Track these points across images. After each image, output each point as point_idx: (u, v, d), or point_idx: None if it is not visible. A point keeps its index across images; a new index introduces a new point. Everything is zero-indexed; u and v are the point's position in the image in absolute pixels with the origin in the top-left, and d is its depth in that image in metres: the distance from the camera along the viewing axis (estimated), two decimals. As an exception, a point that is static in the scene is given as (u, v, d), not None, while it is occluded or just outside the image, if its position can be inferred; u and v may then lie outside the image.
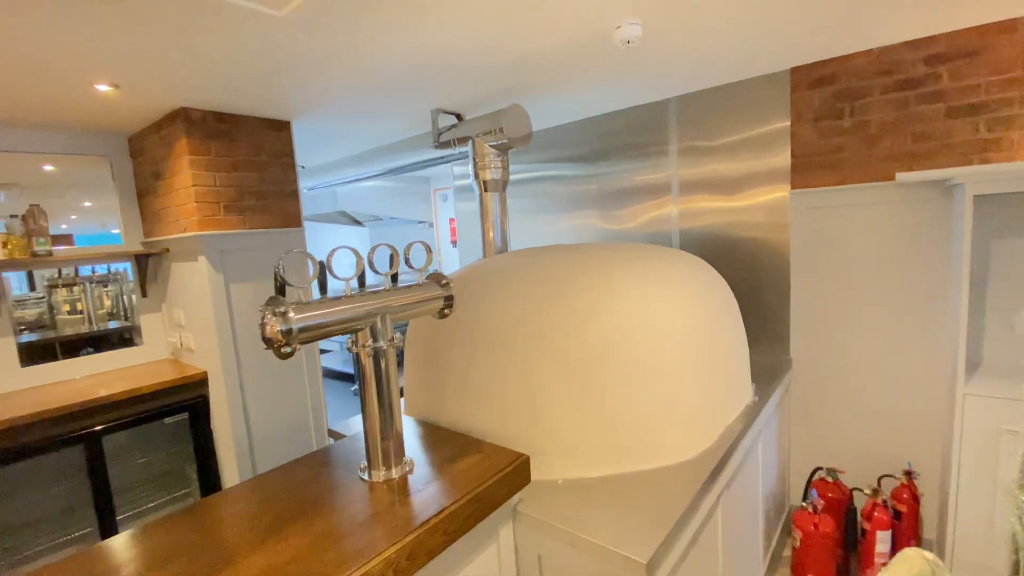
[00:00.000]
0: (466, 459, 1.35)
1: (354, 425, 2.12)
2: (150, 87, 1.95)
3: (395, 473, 1.28)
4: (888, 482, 2.19)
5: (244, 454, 2.50)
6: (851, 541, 2.14)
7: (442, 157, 3.19)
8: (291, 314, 1.04)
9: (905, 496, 2.09)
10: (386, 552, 0.97)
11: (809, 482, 2.28)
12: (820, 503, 2.03)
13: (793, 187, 2.38)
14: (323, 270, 1.20)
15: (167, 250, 2.61)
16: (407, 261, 1.36)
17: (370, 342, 1.22)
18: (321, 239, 5.72)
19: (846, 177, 2.24)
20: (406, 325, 1.76)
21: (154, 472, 2.72)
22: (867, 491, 2.08)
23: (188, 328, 2.64)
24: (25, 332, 2.61)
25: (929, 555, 0.75)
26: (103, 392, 2.27)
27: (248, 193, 2.45)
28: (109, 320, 3.15)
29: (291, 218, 2.63)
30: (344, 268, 1.30)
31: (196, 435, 2.57)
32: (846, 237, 2.28)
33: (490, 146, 2.34)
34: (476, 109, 2.59)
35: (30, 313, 2.75)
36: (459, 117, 2.65)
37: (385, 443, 1.27)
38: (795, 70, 2.30)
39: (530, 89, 2.33)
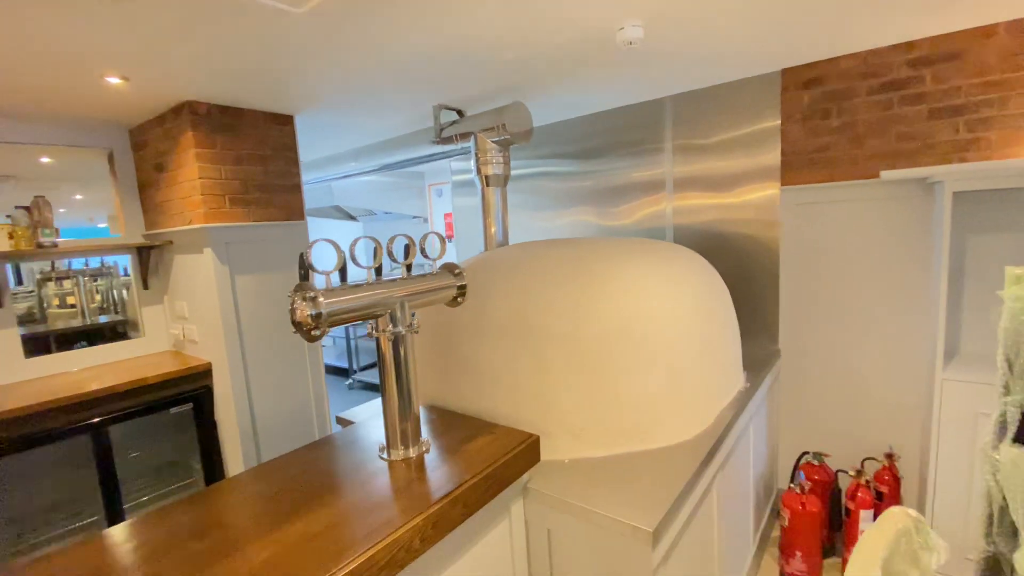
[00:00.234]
0: (479, 440, 1.42)
1: (360, 413, 2.18)
2: (159, 80, 1.98)
3: (412, 453, 1.34)
4: (871, 464, 2.31)
5: (249, 444, 2.54)
6: (836, 520, 2.26)
7: (442, 152, 3.24)
8: (321, 299, 1.10)
9: (887, 477, 2.21)
10: (413, 521, 1.03)
11: (796, 465, 2.38)
12: (807, 484, 2.14)
13: (783, 184, 2.47)
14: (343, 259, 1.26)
15: (170, 242, 2.63)
16: (423, 251, 1.42)
17: (390, 327, 1.28)
18: (315, 233, 5.73)
19: (833, 175, 2.34)
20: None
21: (158, 462, 2.75)
22: (851, 473, 2.19)
23: (191, 320, 2.66)
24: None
25: (912, 512, 0.83)
26: (110, 383, 2.30)
27: (252, 186, 2.48)
28: (102, 314, 3.15)
29: (294, 211, 2.67)
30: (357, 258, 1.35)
31: (200, 425, 2.60)
32: (833, 232, 2.38)
33: (492, 142, 2.40)
34: (477, 105, 2.64)
35: (19, 307, 2.75)
36: (460, 113, 2.70)
37: (403, 424, 1.33)
38: (786, 71, 2.39)
39: (531, 86, 2.39)
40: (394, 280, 1.31)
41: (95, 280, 3.22)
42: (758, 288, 2.61)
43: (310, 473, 1.27)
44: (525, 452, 1.39)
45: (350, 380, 5.37)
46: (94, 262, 3.29)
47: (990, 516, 0.76)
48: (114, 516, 2.33)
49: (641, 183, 2.95)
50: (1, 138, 2.42)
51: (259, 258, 2.54)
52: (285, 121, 2.60)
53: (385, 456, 1.34)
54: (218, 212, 2.35)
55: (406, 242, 1.39)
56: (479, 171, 2.47)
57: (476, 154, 2.45)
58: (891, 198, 2.21)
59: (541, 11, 1.58)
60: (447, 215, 5.27)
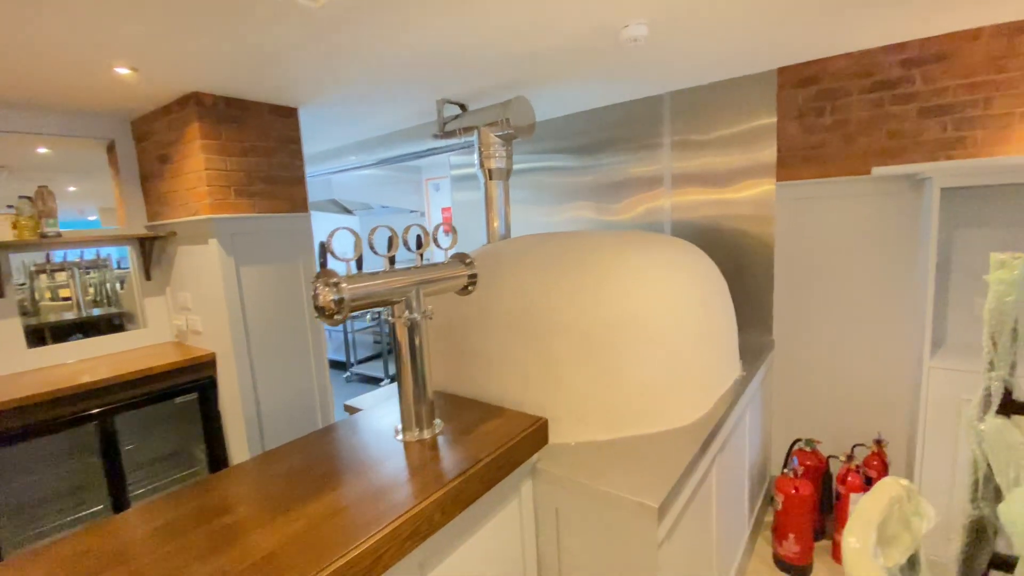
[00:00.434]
0: (490, 423, 1.48)
1: (366, 400, 2.22)
2: (168, 72, 1.99)
3: (427, 434, 1.39)
4: (860, 450, 2.40)
5: (254, 433, 2.57)
6: (827, 504, 2.34)
7: (442, 147, 3.27)
8: (344, 284, 1.14)
9: (875, 463, 2.29)
10: (434, 496, 1.08)
11: (789, 451, 2.47)
12: (800, 469, 2.22)
13: (778, 180, 2.55)
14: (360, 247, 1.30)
15: (174, 233, 2.65)
16: (435, 241, 1.47)
17: (407, 314, 1.33)
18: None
19: (827, 171, 2.42)
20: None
21: (162, 451, 2.77)
22: (842, 458, 2.27)
23: (195, 311, 2.68)
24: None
25: (904, 482, 0.90)
26: (117, 372, 2.31)
27: (257, 178, 2.50)
28: (95, 307, 3.15)
29: (298, 203, 2.69)
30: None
31: (204, 415, 2.62)
32: (825, 227, 2.46)
33: (495, 136, 2.45)
34: (480, 100, 2.68)
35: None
36: (463, 107, 2.74)
37: (418, 407, 1.38)
38: (782, 70, 2.46)
39: (534, 82, 2.44)
40: (409, 268, 1.36)
41: (87, 272, 3.22)
42: (754, 281, 2.69)
43: (330, 453, 1.31)
44: (534, 434, 1.44)
45: (348, 373, 5.39)
46: (89, 254, 3.29)
47: (975, 483, 0.83)
48: (120, 505, 2.35)
49: (640, 178, 3.01)
50: (1, 127, 2.41)
51: (263, 249, 2.56)
52: (289, 113, 2.62)
53: (400, 437, 1.38)
54: (224, 203, 2.37)
55: (419, 232, 1.43)
56: (482, 165, 2.51)
57: (479, 148, 2.49)
58: (881, 194, 2.29)
59: (549, 8, 1.62)
60: (444, 209, 5.31)
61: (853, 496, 2.19)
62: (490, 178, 2.52)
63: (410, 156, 3.54)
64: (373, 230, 1.28)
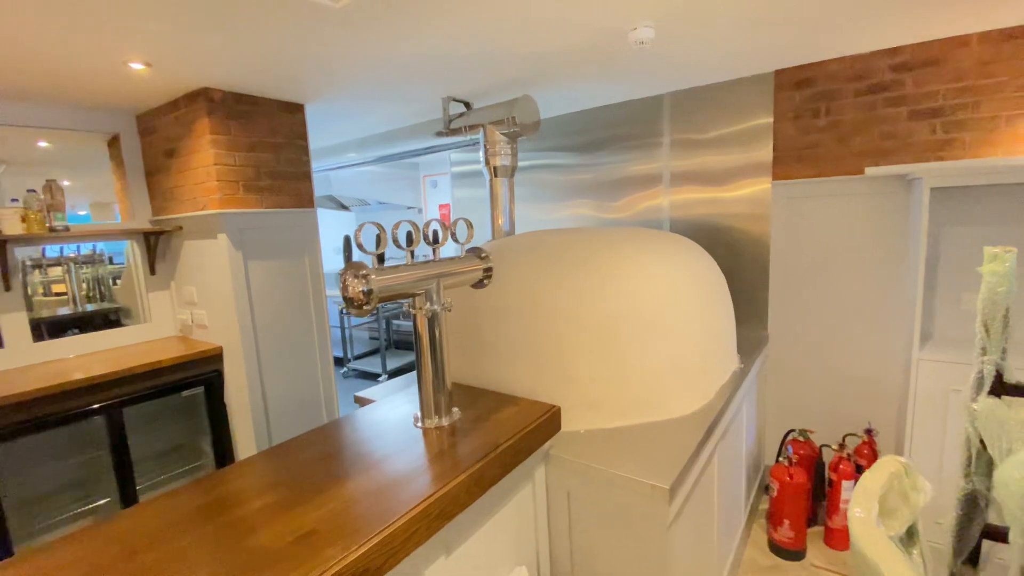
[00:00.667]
0: (505, 411, 1.53)
1: (376, 392, 2.26)
2: (181, 67, 2.02)
3: (445, 422, 1.44)
4: (851, 440, 2.49)
5: (261, 426, 2.60)
6: (820, 491, 2.43)
7: (443, 144, 3.32)
8: (373, 276, 1.19)
9: (866, 451, 2.39)
10: (459, 478, 1.14)
11: (783, 441, 2.56)
12: (794, 457, 2.31)
13: (774, 179, 2.63)
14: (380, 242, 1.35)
15: (180, 228, 2.66)
16: (453, 236, 1.52)
17: (427, 305, 1.38)
18: (307, 223, 5.73)
19: (821, 170, 2.50)
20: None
21: (168, 444, 2.78)
22: (834, 447, 2.37)
23: (201, 305, 2.70)
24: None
25: (902, 459, 0.97)
26: (125, 366, 2.33)
27: (264, 173, 2.53)
28: (89, 302, 3.14)
29: (304, 198, 2.72)
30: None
31: (211, 409, 2.65)
32: (819, 225, 2.55)
33: (501, 133, 2.50)
34: (485, 97, 2.73)
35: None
36: (467, 105, 2.78)
37: (437, 395, 1.43)
38: (778, 72, 2.53)
39: (539, 81, 2.49)
40: (430, 261, 1.41)
41: (82, 268, 3.21)
42: (750, 277, 2.77)
43: (354, 439, 1.36)
44: (548, 421, 1.50)
45: (345, 368, 5.41)
46: (85, 249, 3.29)
47: (968, 459, 0.90)
48: (127, 498, 2.37)
49: (639, 177, 3.08)
50: (5, 120, 2.41)
51: (270, 244, 2.59)
52: (296, 110, 2.65)
53: (420, 424, 1.44)
54: (232, 198, 2.40)
55: (437, 227, 1.48)
56: (487, 162, 2.56)
57: (485, 145, 2.54)
58: (873, 193, 2.38)
59: (559, 10, 1.68)
60: (442, 206, 5.34)
61: (845, 483, 2.28)
62: (495, 175, 2.57)
63: (411, 153, 3.58)
64: (396, 225, 1.33)
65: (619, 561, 1.44)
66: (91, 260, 3.29)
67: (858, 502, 0.88)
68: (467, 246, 1.58)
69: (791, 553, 2.29)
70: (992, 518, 0.90)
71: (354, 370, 5.38)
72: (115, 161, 2.96)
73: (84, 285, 3.25)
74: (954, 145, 2.17)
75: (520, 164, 3.52)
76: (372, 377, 5.15)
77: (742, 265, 2.79)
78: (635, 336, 1.69)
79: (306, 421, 2.81)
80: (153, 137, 2.67)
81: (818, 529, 2.46)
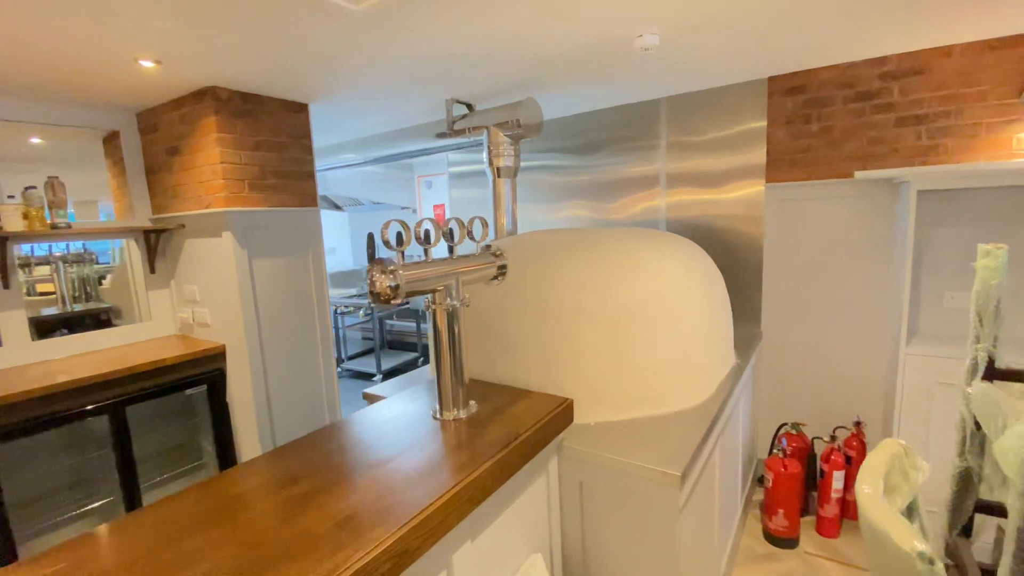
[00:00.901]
0: (519, 404, 1.58)
1: (382, 391, 2.29)
2: (190, 65, 2.03)
3: (463, 414, 1.49)
4: (841, 432, 2.59)
5: (265, 424, 2.61)
6: (812, 481, 2.53)
7: (445, 145, 3.36)
8: (400, 272, 1.23)
9: (855, 443, 2.49)
10: (484, 465, 1.19)
11: (776, 435, 2.65)
12: (788, 448, 2.40)
13: (768, 181, 2.72)
14: (400, 239, 1.39)
15: (182, 226, 2.66)
16: (470, 234, 1.57)
17: (447, 300, 1.43)
18: (300, 223, 5.72)
19: (812, 174, 2.60)
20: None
21: (168, 444, 2.77)
22: (826, 439, 2.46)
23: (203, 303, 2.70)
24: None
25: (902, 441, 1.05)
26: (128, 364, 2.33)
27: (269, 172, 2.54)
28: (76, 302, 3.10)
29: (308, 198, 2.74)
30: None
31: (213, 407, 2.65)
32: (811, 226, 2.65)
33: (505, 135, 2.55)
34: (488, 99, 2.78)
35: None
36: (469, 106, 2.83)
37: (456, 389, 1.48)
38: (772, 79, 2.63)
39: (542, 84, 2.55)
40: (449, 258, 1.45)
41: (71, 267, 3.17)
42: (744, 276, 2.86)
43: (376, 432, 1.40)
44: (562, 414, 1.56)
45: (339, 369, 5.40)
46: (75, 247, 3.25)
47: (963, 439, 0.98)
48: (131, 497, 2.36)
49: (636, 178, 3.15)
50: (5, 116, 2.39)
51: (274, 243, 2.60)
52: (300, 109, 2.67)
53: (439, 417, 1.48)
54: (238, 197, 2.41)
55: (454, 225, 1.53)
56: (491, 163, 2.61)
57: (488, 147, 2.59)
58: (862, 196, 2.49)
59: (569, 17, 1.74)
60: (436, 206, 5.37)
61: (836, 474, 2.38)
62: (498, 176, 2.62)
63: (411, 154, 3.61)
64: (419, 223, 1.37)
65: (630, 548, 1.50)
66: (80, 259, 3.25)
67: (865, 480, 0.95)
68: (482, 244, 1.63)
69: (785, 541, 2.37)
70: (984, 493, 0.98)
71: (348, 370, 5.38)
72: (111, 159, 2.94)
73: (71, 284, 3.22)
74: (938, 150, 2.28)
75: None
76: (367, 377, 5.15)
77: (736, 265, 2.88)
78: (642, 331, 1.75)
79: (308, 419, 2.83)
80: (155, 135, 2.67)
81: (809, 518, 2.55)
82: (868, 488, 0.92)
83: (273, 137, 2.55)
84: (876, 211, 2.47)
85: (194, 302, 2.75)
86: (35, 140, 3.00)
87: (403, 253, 1.36)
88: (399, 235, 1.39)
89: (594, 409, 1.72)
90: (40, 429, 2.07)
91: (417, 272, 1.29)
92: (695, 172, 2.94)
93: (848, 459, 2.46)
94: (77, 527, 2.36)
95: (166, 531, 0.97)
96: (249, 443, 2.64)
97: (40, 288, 3.17)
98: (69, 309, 3.14)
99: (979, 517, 0.99)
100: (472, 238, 1.58)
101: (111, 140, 2.91)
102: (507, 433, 1.35)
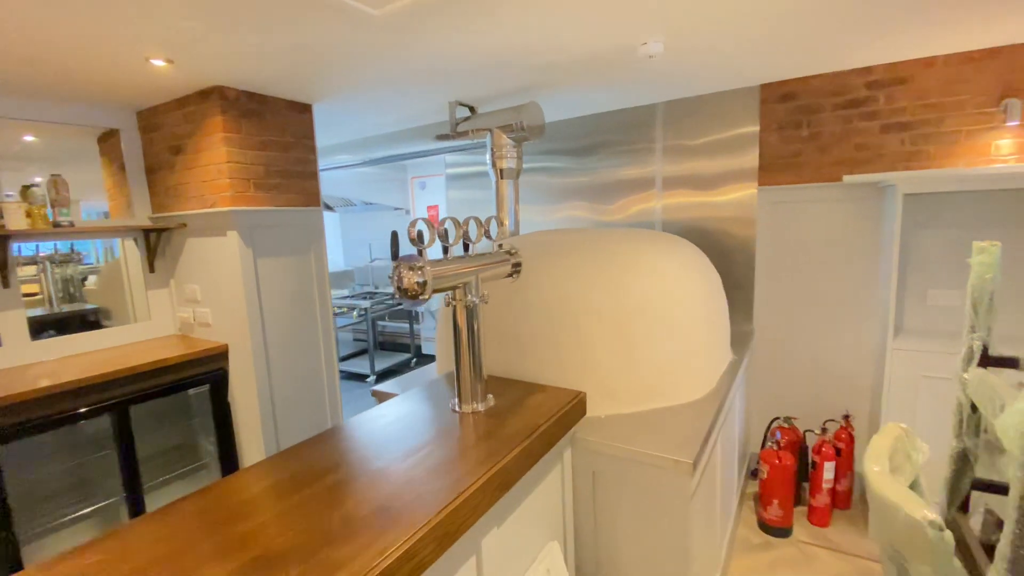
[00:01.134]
0: (534, 397, 1.64)
1: (392, 388, 2.32)
2: (201, 65, 2.04)
3: (482, 407, 1.54)
4: (831, 425, 2.70)
5: (269, 424, 2.61)
6: (804, 472, 2.63)
7: (444, 147, 3.40)
8: (428, 268, 1.27)
9: (844, 436, 2.60)
10: (514, 451, 1.24)
11: (768, 428, 2.75)
12: (783, 441, 2.50)
13: (760, 184, 2.83)
14: (420, 238, 1.43)
15: (184, 225, 2.65)
16: (487, 233, 1.61)
17: (468, 297, 1.47)
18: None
19: (803, 177, 2.71)
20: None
21: (169, 444, 2.76)
22: (817, 432, 2.57)
23: (204, 303, 2.70)
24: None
25: (903, 425, 1.13)
26: (130, 364, 2.31)
27: (274, 172, 2.55)
28: (62, 302, 3.06)
29: (311, 197, 2.75)
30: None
31: (216, 407, 2.64)
32: (801, 228, 2.76)
33: (508, 137, 2.60)
34: (490, 102, 2.83)
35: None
36: (472, 109, 2.88)
37: (475, 382, 1.52)
38: (764, 86, 2.74)
39: (545, 88, 2.61)
40: (468, 256, 1.50)
41: (59, 267, 3.13)
42: (737, 276, 2.96)
43: (397, 425, 1.44)
44: (576, 406, 1.62)
45: (331, 370, 5.38)
46: (63, 247, 3.21)
47: (960, 421, 1.06)
48: (134, 498, 2.35)
49: (632, 180, 3.24)
50: (7, 114, 2.37)
51: (278, 242, 2.62)
52: (304, 109, 2.68)
53: (458, 410, 1.52)
54: (243, 196, 2.42)
55: (473, 225, 1.57)
56: (494, 164, 2.66)
57: (492, 149, 2.64)
58: (850, 199, 2.60)
59: (579, 25, 1.80)
60: (430, 207, 5.40)
61: (827, 465, 2.48)
62: (501, 177, 2.68)
63: (411, 155, 3.64)
64: (442, 222, 1.41)
65: (642, 535, 1.56)
66: (68, 259, 3.21)
67: (873, 460, 1.03)
68: (497, 243, 1.68)
69: (780, 531, 2.47)
70: (979, 472, 1.06)
71: (341, 371, 5.36)
72: (107, 157, 2.92)
73: (57, 285, 3.17)
74: (920, 156, 2.41)
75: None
76: (360, 378, 5.14)
77: (730, 265, 2.98)
78: (648, 329, 1.82)
79: (311, 419, 2.84)
80: (156, 134, 2.66)
81: (802, 508, 2.65)
82: (877, 467, 1.00)
83: (278, 137, 2.56)
84: (863, 213, 2.58)
85: (195, 301, 2.74)
86: (28, 138, 2.96)
87: (423, 251, 1.41)
88: (420, 234, 1.43)
89: (604, 402, 1.78)
90: (45, 429, 2.06)
91: (442, 269, 1.34)
92: (690, 175, 3.03)
93: (838, 451, 2.56)
94: (80, 528, 2.33)
95: (215, 517, 1.00)
96: (252, 443, 2.64)
97: (24, 289, 3.12)
98: (56, 310, 3.10)
99: (975, 494, 1.07)
100: (489, 237, 1.63)
101: (107, 138, 2.89)
102: (527, 424, 1.40)
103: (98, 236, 2.73)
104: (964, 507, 1.07)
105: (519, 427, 1.39)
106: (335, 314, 5.40)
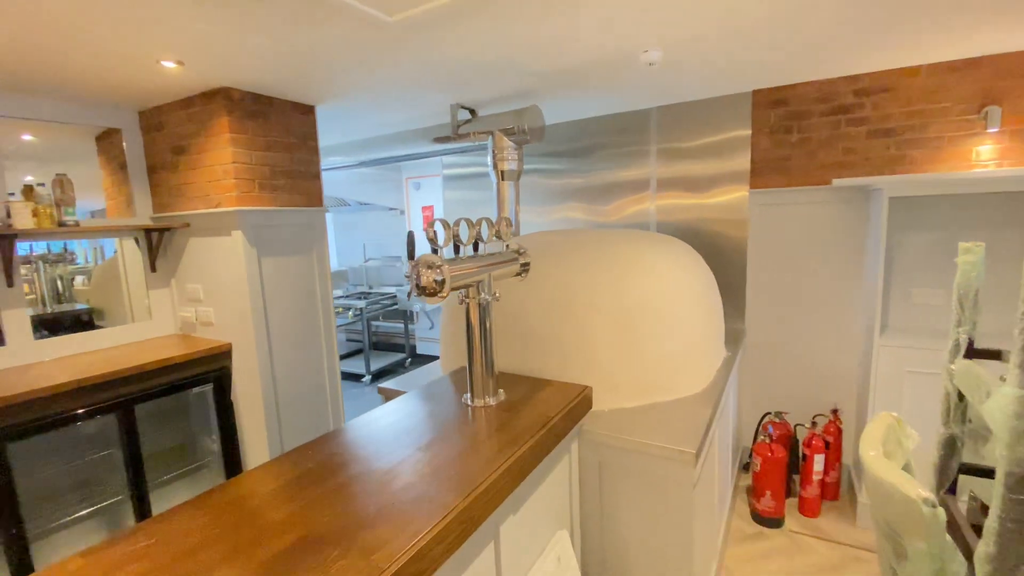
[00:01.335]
0: (542, 392, 1.70)
1: (398, 385, 2.36)
2: (210, 66, 2.06)
3: (493, 401, 1.59)
4: (820, 419, 2.80)
5: (273, 422, 2.64)
6: (794, 464, 2.73)
7: (442, 149, 3.44)
8: (445, 267, 1.33)
9: (832, 429, 2.71)
10: (530, 441, 1.29)
11: (760, 423, 2.84)
12: (775, 434, 2.59)
13: (751, 187, 2.92)
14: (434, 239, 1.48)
15: (187, 224, 2.67)
16: (498, 234, 1.67)
17: (481, 295, 1.53)
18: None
19: (792, 181, 2.81)
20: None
21: (172, 443, 2.76)
22: (807, 426, 2.66)
23: (207, 302, 2.71)
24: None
25: (894, 414, 1.21)
26: (135, 363, 2.33)
27: (278, 172, 2.58)
28: (54, 302, 3.04)
29: (314, 198, 2.78)
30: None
31: (219, 405, 2.66)
32: (791, 229, 2.86)
33: (509, 139, 2.66)
34: (490, 105, 2.88)
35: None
36: (472, 112, 2.93)
37: (487, 377, 1.58)
38: (756, 92, 2.83)
39: (545, 92, 2.67)
40: (481, 255, 1.56)
41: (52, 266, 3.11)
42: (729, 276, 3.05)
43: (415, 419, 1.49)
44: (583, 400, 1.68)
45: (325, 369, 5.39)
46: (55, 247, 3.19)
47: (947, 409, 1.15)
48: (140, 496, 2.36)
49: (627, 182, 3.31)
50: (8, 113, 2.36)
51: (282, 242, 2.64)
52: (307, 111, 2.71)
53: (471, 404, 1.58)
54: (248, 196, 2.44)
55: (486, 226, 1.63)
56: (495, 166, 2.71)
57: (493, 151, 2.69)
58: (838, 201, 2.71)
59: (584, 33, 1.87)
60: (425, 208, 5.43)
61: (817, 457, 2.58)
62: (502, 179, 2.73)
63: (407, 157, 3.68)
64: (456, 222, 1.47)
65: (647, 524, 1.63)
66: (62, 259, 3.20)
67: (868, 445, 1.11)
68: (507, 243, 1.73)
69: (772, 521, 2.56)
70: (966, 457, 1.15)
71: (335, 371, 5.37)
72: (105, 156, 2.92)
73: (50, 285, 3.16)
74: (905, 161, 2.51)
75: (513, 168, 3.70)
76: (355, 378, 5.16)
77: (722, 265, 3.07)
78: (649, 326, 1.89)
79: (313, 418, 2.86)
80: (159, 133, 2.66)
81: (792, 500, 2.75)
82: (873, 451, 1.07)
83: (282, 138, 2.59)
84: (851, 216, 2.69)
85: (197, 301, 2.75)
86: (27, 137, 2.94)
87: (440, 251, 1.46)
88: (435, 234, 1.48)
89: (608, 397, 1.85)
90: (53, 427, 2.06)
91: (459, 268, 1.39)
92: (684, 177, 3.12)
93: (827, 444, 2.66)
94: (86, 526, 2.34)
95: (253, 505, 1.04)
96: (255, 441, 2.66)
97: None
98: (50, 310, 3.08)
99: (962, 478, 1.16)
100: (499, 237, 1.68)
101: (106, 137, 2.89)
102: (540, 416, 1.46)
103: (102, 235, 2.73)
104: (952, 489, 1.15)
105: (532, 419, 1.45)
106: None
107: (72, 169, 3.04)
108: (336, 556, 0.88)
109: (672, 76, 2.49)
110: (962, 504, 1.36)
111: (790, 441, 2.76)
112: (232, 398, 2.70)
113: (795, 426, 2.82)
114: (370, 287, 6.05)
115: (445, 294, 1.34)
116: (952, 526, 1.03)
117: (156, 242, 2.77)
